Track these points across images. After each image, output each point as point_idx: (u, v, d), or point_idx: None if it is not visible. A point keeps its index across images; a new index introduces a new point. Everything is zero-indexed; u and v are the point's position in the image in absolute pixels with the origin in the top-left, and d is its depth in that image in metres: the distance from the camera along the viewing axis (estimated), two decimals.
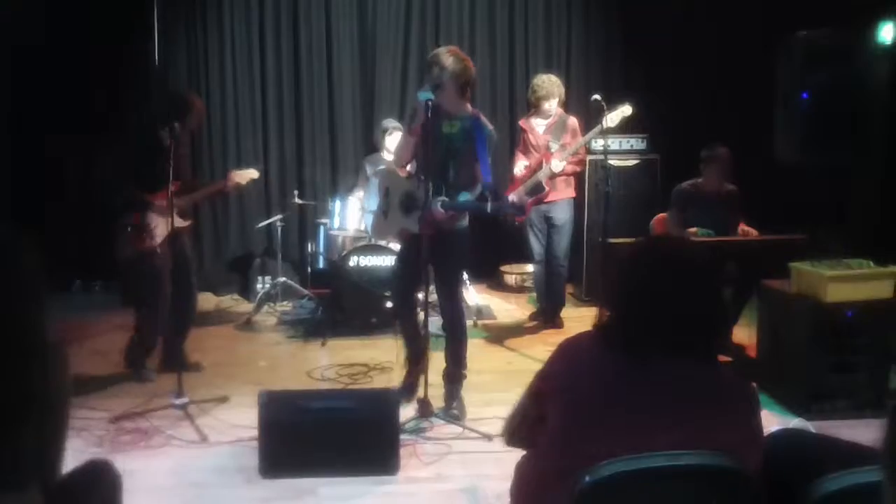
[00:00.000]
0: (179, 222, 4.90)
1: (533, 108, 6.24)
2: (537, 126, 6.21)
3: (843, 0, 6.34)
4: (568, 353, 2.06)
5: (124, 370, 5.14)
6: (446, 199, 4.26)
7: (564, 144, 6.09)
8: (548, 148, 6.09)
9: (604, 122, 5.64)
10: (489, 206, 4.20)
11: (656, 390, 1.87)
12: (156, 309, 5.03)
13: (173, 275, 5.08)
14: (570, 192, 6.30)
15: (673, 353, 1.90)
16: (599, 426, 1.87)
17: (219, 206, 7.87)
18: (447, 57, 4.32)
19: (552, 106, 6.12)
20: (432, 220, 4.23)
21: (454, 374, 4.64)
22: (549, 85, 6.08)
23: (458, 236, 4.49)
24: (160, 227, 4.89)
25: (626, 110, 5.83)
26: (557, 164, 5.96)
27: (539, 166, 6.06)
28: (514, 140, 7.28)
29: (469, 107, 4.46)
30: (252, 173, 5.45)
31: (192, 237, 7.70)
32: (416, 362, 4.68)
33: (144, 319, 5.11)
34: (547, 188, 6.06)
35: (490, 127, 4.48)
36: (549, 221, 6.23)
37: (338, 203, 6.59)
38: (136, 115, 6.31)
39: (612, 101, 5.73)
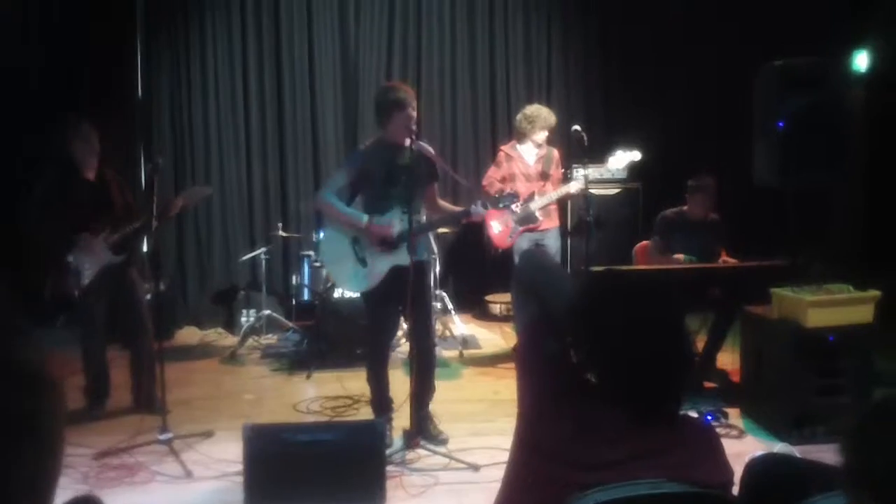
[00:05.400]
0: (111, 258, 4.92)
1: (523, 136, 6.19)
2: (526, 155, 6.20)
3: (818, 30, 6.50)
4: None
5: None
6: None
7: (550, 174, 6.16)
8: (543, 177, 6.09)
9: (610, 162, 6.05)
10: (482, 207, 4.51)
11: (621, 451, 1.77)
12: (88, 345, 5.05)
13: (118, 311, 5.09)
14: (557, 221, 6.35)
15: (631, 407, 1.77)
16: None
17: (203, 238, 7.84)
18: (394, 93, 4.41)
19: (544, 136, 6.15)
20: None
21: (428, 399, 4.64)
22: (547, 115, 6.12)
23: (430, 266, 4.65)
24: (88, 266, 4.86)
25: (634, 155, 5.98)
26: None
27: (532, 196, 6.05)
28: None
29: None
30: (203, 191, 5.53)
31: (177, 271, 7.71)
32: (389, 409, 4.67)
33: (82, 355, 5.08)
34: (541, 218, 6.08)
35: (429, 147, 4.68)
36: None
37: (322, 235, 6.58)
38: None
39: (592, 132, 5.81)
